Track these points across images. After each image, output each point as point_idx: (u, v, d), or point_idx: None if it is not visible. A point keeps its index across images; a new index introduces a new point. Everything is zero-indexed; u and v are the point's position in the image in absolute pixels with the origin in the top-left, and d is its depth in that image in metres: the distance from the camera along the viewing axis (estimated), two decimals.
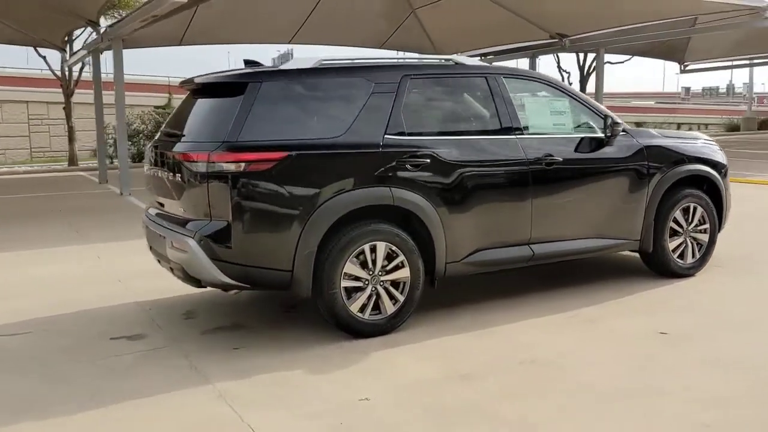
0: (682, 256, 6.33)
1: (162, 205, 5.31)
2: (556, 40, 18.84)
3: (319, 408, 3.85)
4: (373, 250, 4.87)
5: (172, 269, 5.05)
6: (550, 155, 5.55)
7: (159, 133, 5.60)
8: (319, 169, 4.77)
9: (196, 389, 4.14)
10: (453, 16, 18.37)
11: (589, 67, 28.51)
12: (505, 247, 5.44)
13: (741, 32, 19.68)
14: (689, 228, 6.32)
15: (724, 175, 6.58)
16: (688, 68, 27.50)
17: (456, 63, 5.64)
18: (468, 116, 5.59)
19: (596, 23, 17.76)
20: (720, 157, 6.62)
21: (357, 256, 4.83)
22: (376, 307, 4.94)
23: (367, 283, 4.88)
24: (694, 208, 6.32)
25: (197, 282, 4.87)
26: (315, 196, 4.70)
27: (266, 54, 56.91)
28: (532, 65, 20.31)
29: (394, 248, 4.92)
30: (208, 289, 5.01)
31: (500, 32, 19.15)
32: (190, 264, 4.71)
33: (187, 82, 5.42)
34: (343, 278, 4.80)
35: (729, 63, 30.64)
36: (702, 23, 17.50)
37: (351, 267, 4.81)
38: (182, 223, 4.85)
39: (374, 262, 4.88)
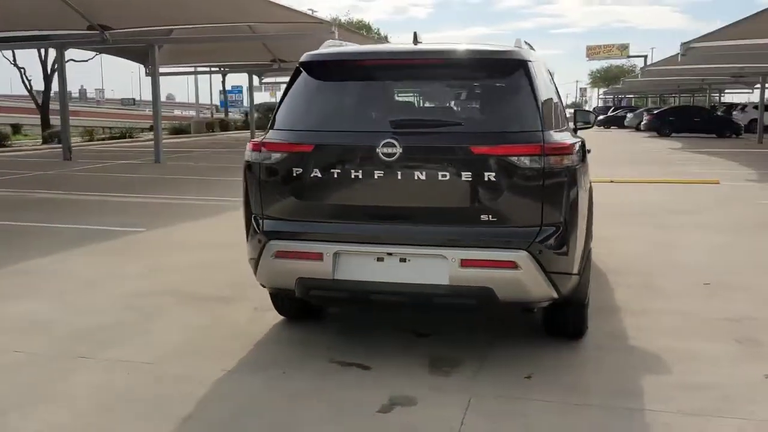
0: None
1: (394, 218, 3.92)
2: (97, 32, 17.13)
3: None
4: None
5: (437, 296, 3.92)
6: None
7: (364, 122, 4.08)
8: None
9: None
10: None
11: (53, 64, 26.11)
12: None
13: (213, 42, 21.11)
14: None
15: None
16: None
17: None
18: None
19: (150, 19, 16.91)
20: None
21: None
22: None
23: None
24: None
25: (485, 307, 3.96)
26: (588, 188, 4.35)
27: None
28: (60, 58, 17.89)
29: None
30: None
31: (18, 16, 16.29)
32: (519, 283, 3.82)
33: (416, 55, 4.14)
34: None
35: (192, 69, 32.25)
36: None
37: None
38: (482, 234, 3.82)
39: None
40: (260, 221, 4.19)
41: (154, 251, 7.46)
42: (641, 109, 48.96)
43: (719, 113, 38.41)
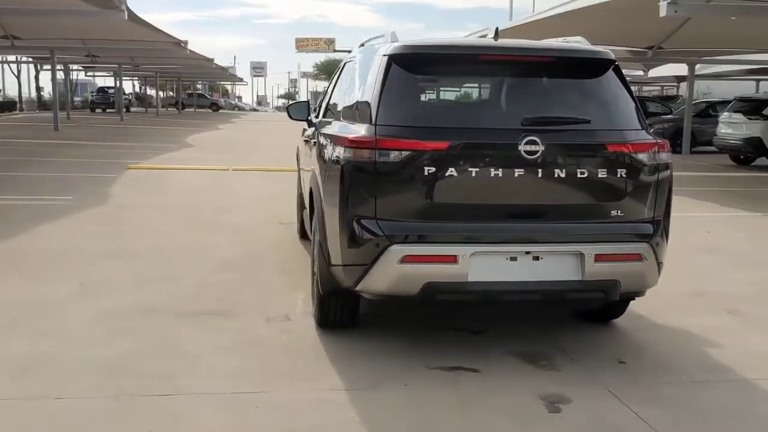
0: None
1: (529, 216, 3.87)
2: None
3: None
4: None
5: (570, 292, 4.02)
6: None
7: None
8: None
9: None
10: None
11: None
12: None
13: None
14: None
15: None
16: None
17: None
18: None
19: None
20: None
21: None
22: None
23: None
24: None
25: (607, 300, 4.10)
26: None
27: None
28: None
29: None
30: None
31: None
32: (642, 274, 4.07)
33: (528, 52, 4.02)
34: None
35: None
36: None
37: None
38: (613, 228, 3.99)
39: None
40: (374, 224, 3.85)
41: (55, 263, 6.29)
42: None
43: None
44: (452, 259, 3.80)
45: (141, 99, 60.61)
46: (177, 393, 3.72)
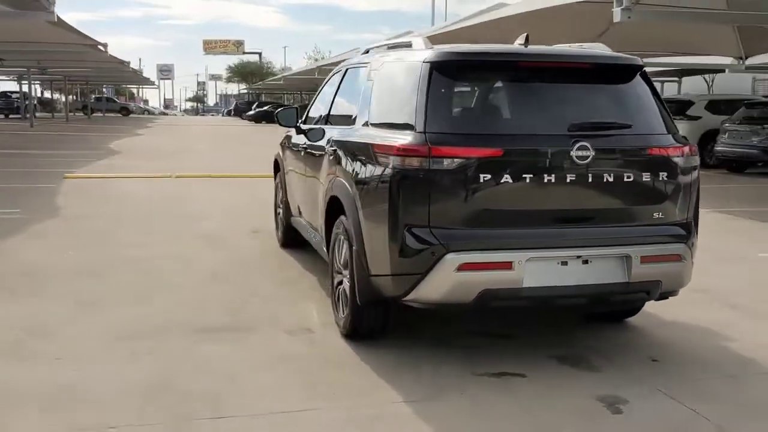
0: None
1: (579, 220, 3.93)
2: None
3: None
4: None
5: (617, 294, 4.09)
6: None
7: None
8: None
9: None
10: None
11: None
12: None
13: None
14: None
15: None
16: None
17: None
18: None
19: None
20: None
21: None
22: None
23: None
24: None
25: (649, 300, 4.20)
26: None
27: None
28: None
29: None
30: None
31: None
32: (681, 274, 4.20)
33: (568, 59, 4.12)
34: None
35: None
36: None
37: None
38: (655, 230, 4.09)
39: None
40: (428, 233, 3.79)
41: (34, 281, 5.85)
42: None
43: None
44: (508, 266, 3.79)
45: (45, 104, 57.63)
46: (232, 414, 3.54)
